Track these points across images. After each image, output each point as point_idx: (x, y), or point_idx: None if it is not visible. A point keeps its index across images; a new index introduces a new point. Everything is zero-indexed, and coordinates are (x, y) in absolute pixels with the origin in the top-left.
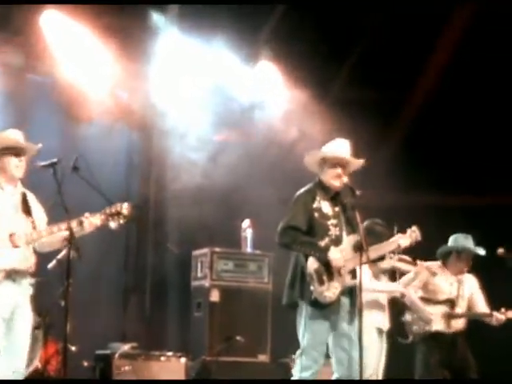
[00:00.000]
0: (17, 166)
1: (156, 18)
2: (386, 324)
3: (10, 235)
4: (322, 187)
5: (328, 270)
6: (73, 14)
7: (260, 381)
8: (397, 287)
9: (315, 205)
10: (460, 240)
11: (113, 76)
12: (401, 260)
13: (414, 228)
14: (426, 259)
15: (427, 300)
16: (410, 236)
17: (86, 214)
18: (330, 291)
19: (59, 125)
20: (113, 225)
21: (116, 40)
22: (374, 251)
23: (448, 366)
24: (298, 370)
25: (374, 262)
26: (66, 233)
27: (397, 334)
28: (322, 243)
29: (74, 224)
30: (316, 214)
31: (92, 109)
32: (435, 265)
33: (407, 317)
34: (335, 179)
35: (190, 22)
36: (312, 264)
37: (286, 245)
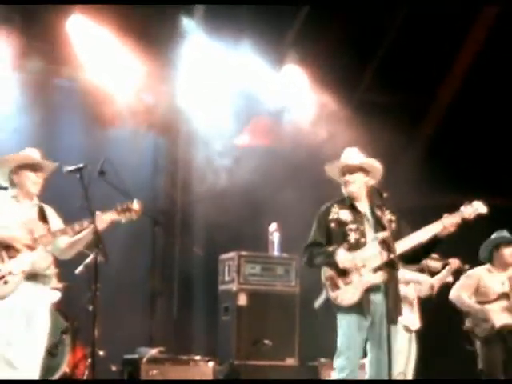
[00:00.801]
0: (34, 182)
1: (185, 21)
2: (414, 323)
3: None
4: (342, 197)
5: (343, 273)
6: (98, 18)
7: (285, 381)
8: (426, 278)
9: (331, 216)
10: (494, 236)
11: (139, 79)
12: (430, 258)
13: (478, 202)
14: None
15: (481, 303)
16: (465, 207)
17: (97, 212)
18: (348, 293)
19: (85, 129)
20: (124, 220)
21: (142, 43)
22: (411, 239)
23: None
24: (336, 371)
25: (408, 261)
26: (80, 236)
27: (463, 341)
28: (330, 248)
29: (85, 224)
30: (332, 225)
31: (118, 112)
32: (483, 269)
33: (467, 324)
34: (345, 186)
35: (215, 25)
36: (324, 272)
37: (307, 263)
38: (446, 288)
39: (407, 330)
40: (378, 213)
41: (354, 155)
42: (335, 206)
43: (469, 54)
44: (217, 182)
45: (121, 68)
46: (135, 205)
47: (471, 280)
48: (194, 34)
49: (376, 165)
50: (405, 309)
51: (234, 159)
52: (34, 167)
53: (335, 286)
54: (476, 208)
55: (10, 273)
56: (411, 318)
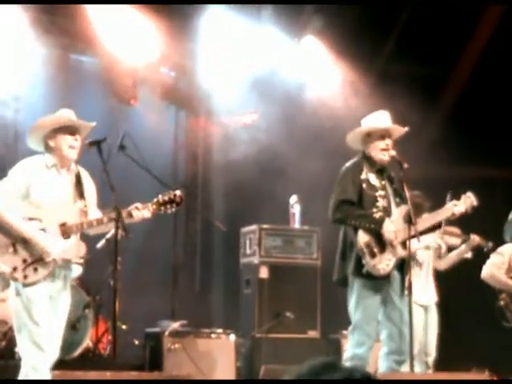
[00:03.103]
0: (71, 146)
1: None
2: (430, 299)
3: (61, 225)
4: (368, 160)
5: (379, 242)
6: None
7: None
8: (434, 239)
9: (363, 176)
10: None
11: (159, 54)
12: (447, 233)
13: (469, 194)
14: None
15: None
16: (464, 202)
17: (137, 205)
18: (383, 263)
19: (105, 104)
20: (163, 212)
21: (162, 17)
22: (428, 220)
23: None
24: (352, 345)
25: (427, 231)
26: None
27: (500, 318)
28: (377, 215)
29: (124, 214)
30: (364, 186)
31: (138, 87)
32: None
33: (501, 302)
34: (383, 152)
35: None
36: (362, 237)
37: (340, 220)
38: (464, 263)
39: (423, 307)
40: (398, 184)
41: (389, 119)
42: (364, 165)
43: (489, 24)
44: (237, 155)
45: (141, 42)
46: (178, 197)
47: (504, 257)
48: (213, 6)
49: (403, 130)
50: (416, 287)
51: (255, 132)
52: (70, 129)
53: (373, 254)
54: (472, 200)
55: (41, 260)
56: (423, 294)
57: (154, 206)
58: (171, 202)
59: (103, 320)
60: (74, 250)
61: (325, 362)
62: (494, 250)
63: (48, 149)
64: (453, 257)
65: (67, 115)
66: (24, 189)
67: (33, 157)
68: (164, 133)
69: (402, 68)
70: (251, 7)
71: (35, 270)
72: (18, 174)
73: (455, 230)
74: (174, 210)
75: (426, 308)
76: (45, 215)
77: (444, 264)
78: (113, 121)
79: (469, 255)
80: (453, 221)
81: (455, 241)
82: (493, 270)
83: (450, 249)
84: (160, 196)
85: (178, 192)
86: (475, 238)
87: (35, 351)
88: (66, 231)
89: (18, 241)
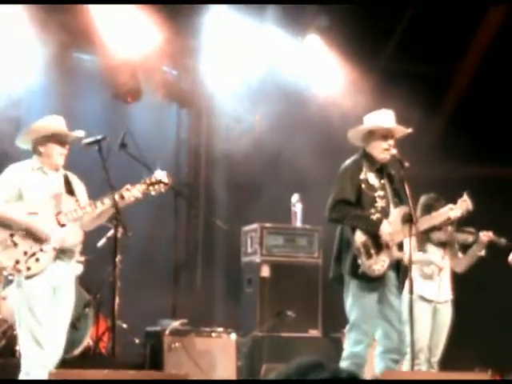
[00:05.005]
0: (61, 153)
1: None
2: (440, 295)
3: (56, 214)
4: (368, 159)
5: (376, 242)
6: None
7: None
8: (428, 257)
9: (362, 176)
10: None
11: (161, 52)
12: (460, 231)
13: (465, 197)
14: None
15: None
16: (460, 206)
17: (128, 186)
18: (378, 264)
19: (106, 102)
20: (154, 193)
21: (164, 15)
22: (423, 223)
23: None
24: (350, 344)
25: (424, 233)
26: (108, 207)
27: None
28: (374, 217)
29: (117, 198)
30: (363, 186)
31: (140, 85)
32: None
33: None
34: (384, 152)
35: None
36: (359, 237)
37: (337, 220)
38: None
39: (428, 302)
40: (398, 184)
41: (392, 118)
42: (364, 164)
43: (493, 23)
44: (240, 154)
45: (142, 40)
46: (165, 177)
47: None
48: (216, 5)
49: (407, 131)
50: (420, 280)
51: (258, 131)
52: (60, 139)
53: (369, 254)
54: (468, 204)
55: (41, 250)
56: (428, 288)
57: (144, 186)
58: (159, 182)
59: (104, 319)
60: (71, 237)
61: (312, 361)
62: (508, 245)
63: (36, 152)
64: (467, 258)
65: (60, 125)
66: (16, 191)
67: (20, 162)
68: (166, 131)
69: (404, 66)
70: (254, 6)
71: (37, 260)
72: (8, 177)
73: (469, 229)
74: (163, 190)
75: (434, 307)
76: (40, 209)
77: (462, 266)
78: (114, 119)
79: (482, 253)
80: (465, 220)
81: (466, 237)
82: None
83: (463, 246)
84: (147, 178)
85: (164, 172)
86: (486, 235)
87: (34, 347)
88: (61, 219)
89: (16, 232)
